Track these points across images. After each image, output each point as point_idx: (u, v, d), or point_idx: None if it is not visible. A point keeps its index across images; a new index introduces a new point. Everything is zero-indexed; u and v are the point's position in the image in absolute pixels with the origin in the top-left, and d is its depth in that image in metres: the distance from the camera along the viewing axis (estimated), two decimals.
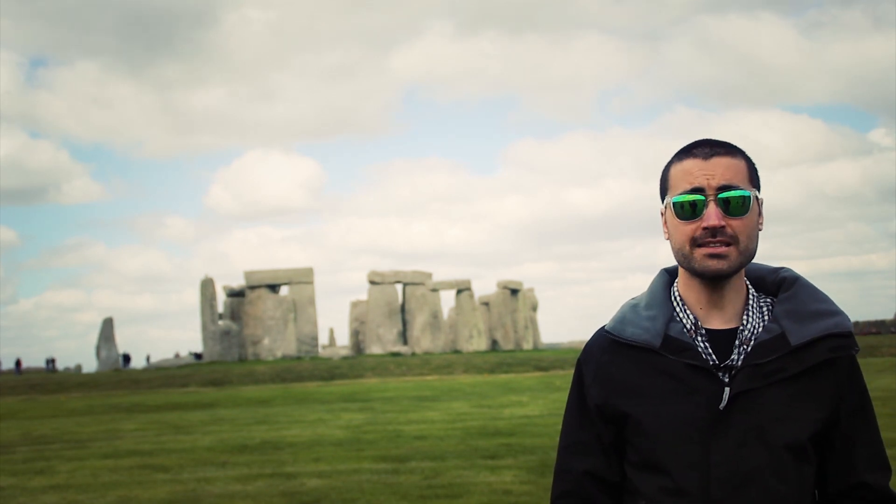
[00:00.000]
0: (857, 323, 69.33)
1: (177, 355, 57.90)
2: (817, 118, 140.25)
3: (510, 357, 43.38)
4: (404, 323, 54.13)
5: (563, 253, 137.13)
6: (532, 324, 65.98)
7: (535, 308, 67.71)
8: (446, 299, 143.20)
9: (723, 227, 1.55)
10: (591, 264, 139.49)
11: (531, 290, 67.22)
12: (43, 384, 36.34)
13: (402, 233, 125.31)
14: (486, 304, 61.31)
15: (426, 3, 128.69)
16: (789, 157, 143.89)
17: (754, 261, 1.65)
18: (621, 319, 1.68)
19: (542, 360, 40.02)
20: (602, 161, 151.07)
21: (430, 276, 55.54)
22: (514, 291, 61.94)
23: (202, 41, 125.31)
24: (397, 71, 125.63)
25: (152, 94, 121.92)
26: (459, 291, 57.59)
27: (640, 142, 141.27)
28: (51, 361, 55.56)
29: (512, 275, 77.14)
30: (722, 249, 1.55)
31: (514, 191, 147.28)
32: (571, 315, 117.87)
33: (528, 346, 62.45)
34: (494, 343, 60.27)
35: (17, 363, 54.51)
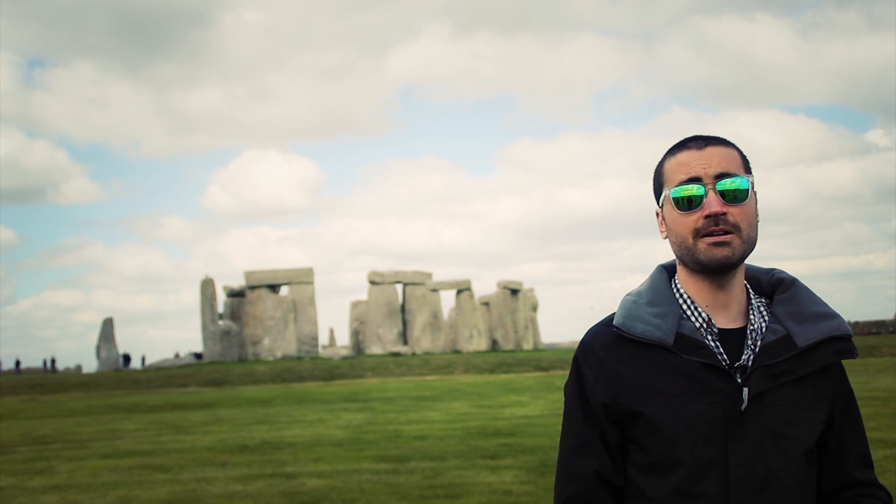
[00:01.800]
0: (857, 323, 69.30)
1: (177, 355, 57.90)
2: (814, 118, 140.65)
3: (510, 357, 43.38)
4: (404, 323, 54.13)
5: (561, 253, 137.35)
6: (532, 324, 65.96)
7: (535, 308, 67.69)
8: (446, 299, 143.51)
9: (724, 213, 1.53)
10: (589, 264, 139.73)
11: (531, 290, 67.21)
12: (43, 384, 36.34)
13: (399, 233, 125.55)
14: (486, 304, 61.33)
15: (421, 4, 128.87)
16: (787, 158, 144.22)
17: (746, 262, 1.64)
18: (628, 315, 1.62)
19: (542, 360, 40.03)
20: (598, 161, 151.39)
21: (430, 276, 55.55)
22: (514, 291, 61.94)
23: (199, 42, 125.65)
24: (393, 71, 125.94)
25: (149, 95, 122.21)
26: (459, 291, 57.61)
27: (636, 142, 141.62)
28: (50, 361, 55.48)
29: (510, 275, 77.28)
30: (725, 237, 1.53)
31: (510, 191, 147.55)
32: (570, 315, 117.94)
33: (528, 346, 62.45)
34: (494, 343, 60.28)
35: (17, 364, 54.38)
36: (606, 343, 1.63)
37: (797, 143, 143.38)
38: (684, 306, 1.62)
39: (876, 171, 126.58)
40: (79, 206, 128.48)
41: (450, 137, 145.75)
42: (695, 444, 1.53)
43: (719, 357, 1.56)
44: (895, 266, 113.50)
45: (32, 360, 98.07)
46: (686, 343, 1.57)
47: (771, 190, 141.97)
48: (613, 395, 1.59)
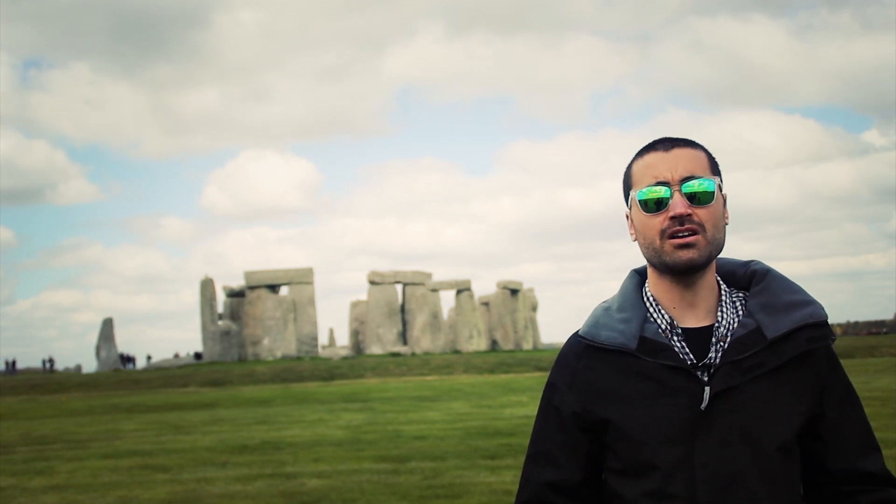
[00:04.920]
0: (856, 323, 69.29)
1: (176, 355, 57.87)
2: (809, 119, 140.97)
3: (510, 357, 43.38)
4: (404, 323, 54.13)
5: (560, 253, 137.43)
6: (532, 324, 65.96)
7: (534, 308, 67.69)
8: (446, 299, 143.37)
9: (689, 214, 1.53)
10: (589, 264, 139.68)
11: (531, 290, 67.21)
12: (43, 384, 36.34)
13: (398, 233, 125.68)
14: (486, 304, 61.31)
15: (418, 5, 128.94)
16: (784, 158, 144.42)
17: (724, 255, 1.64)
18: (594, 323, 1.65)
19: (542, 360, 40.01)
20: (596, 161, 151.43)
21: (429, 276, 55.54)
22: (514, 291, 61.93)
23: (195, 42, 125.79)
24: (391, 72, 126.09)
25: (146, 96, 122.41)
26: (459, 291, 57.59)
27: (633, 142, 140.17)
28: (49, 361, 55.42)
29: (509, 275, 77.22)
30: (690, 239, 1.53)
31: (509, 191, 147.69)
32: (570, 315, 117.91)
33: (527, 346, 62.45)
34: (494, 343, 60.27)
35: (12, 364, 54.24)
36: (578, 352, 1.66)
37: (795, 144, 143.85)
38: (650, 309, 1.63)
39: (873, 171, 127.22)
40: (77, 206, 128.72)
41: (448, 138, 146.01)
42: (662, 446, 1.54)
43: (683, 357, 1.56)
44: (894, 266, 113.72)
45: (32, 361, 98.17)
46: (649, 346, 1.57)
47: (770, 190, 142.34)
48: (584, 404, 1.61)
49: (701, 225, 1.54)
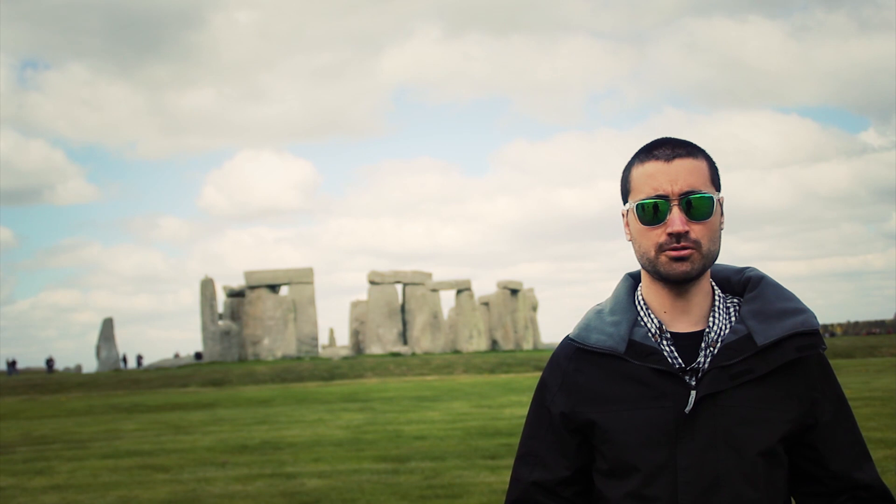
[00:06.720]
0: (856, 323, 69.29)
1: (176, 355, 57.87)
2: (807, 119, 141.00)
3: (510, 357, 43.39)
4: (404, 323, 54.13)
5: (557, 253, 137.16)
6: (532, 324, 65.96)
7: (535, 308, 67.69)
8: (446, 299, 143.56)
9: (686, 232, 1.54)
10: (587, 265, 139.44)
11: (531, 290, 67.20)
12: (43, 384, 36.34)
13: (395, 234, 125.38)
14: (486, 304, 61.32)
15: (413, 6, 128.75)
16: (781, 158, 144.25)
17: (721, 257, 1.65)
18: (585, 326, 1.67)
19: (542, 360, 40.01)
20: (593, 162, 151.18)
21: (429, 276, 55.54)
22: (514, 291, 61.94)
23: (191, 42, 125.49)
24: (387, 72, 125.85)
25: (143, 96, 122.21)
26: (459, 291, 57.60)
27: (630, 143, 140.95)
28: (49, 361, 55.39)
29: (507, 275, 77.22)
30: (686, 252, 1.55)
31: (506, 192, 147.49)
32: (570, 315, 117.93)
33: (528, 346, 62.44)
34: (494, 343, 60.26)
35: (12, 364, 54.17)
36: (568, 355, 1.68)
37: (792, 144, 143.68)
38: (641, 312, 1.64)
39: (871, 171, 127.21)
40: (76, 206, 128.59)
41: (444, 138, 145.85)
42: (645, 449, 1.55)
43: (672, 361, 1.57)
44: (894, 266, 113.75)
45: (31, 361, 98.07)
46: (638, 349, 1.59)
47: (767, 190, 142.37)
48: (573, 405, 1.63)
49: (697, 241, 1.55)
